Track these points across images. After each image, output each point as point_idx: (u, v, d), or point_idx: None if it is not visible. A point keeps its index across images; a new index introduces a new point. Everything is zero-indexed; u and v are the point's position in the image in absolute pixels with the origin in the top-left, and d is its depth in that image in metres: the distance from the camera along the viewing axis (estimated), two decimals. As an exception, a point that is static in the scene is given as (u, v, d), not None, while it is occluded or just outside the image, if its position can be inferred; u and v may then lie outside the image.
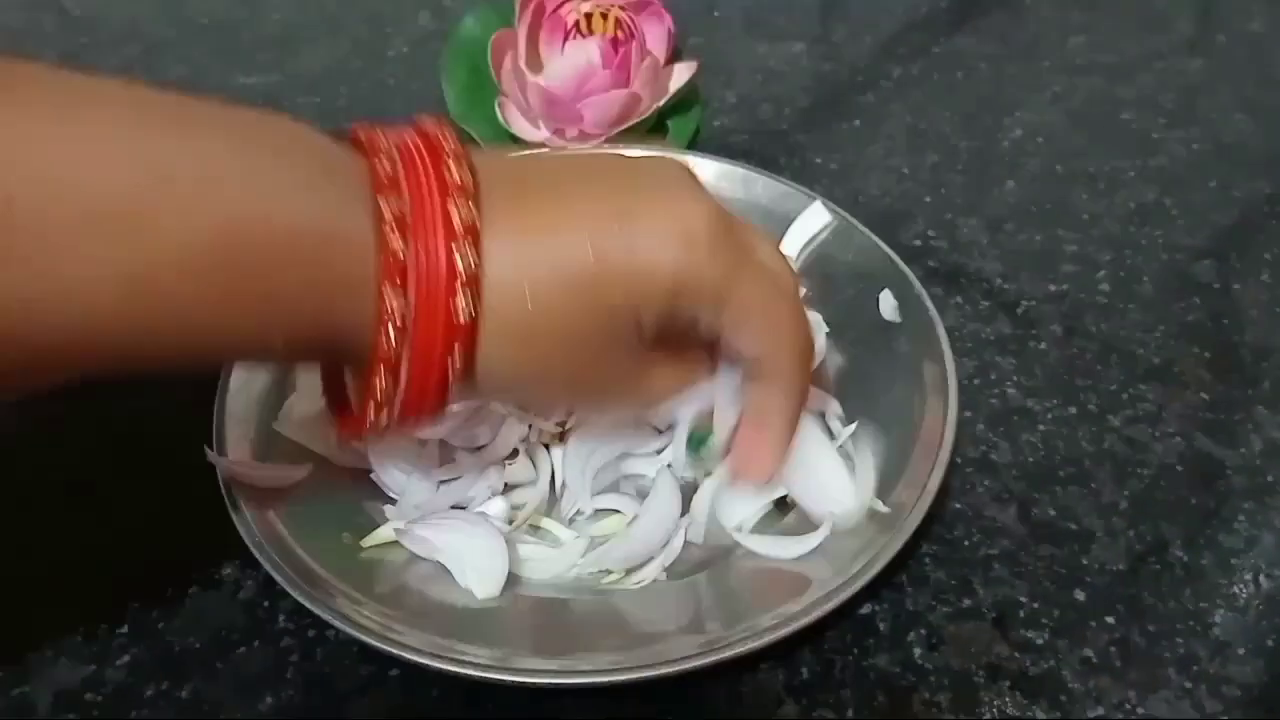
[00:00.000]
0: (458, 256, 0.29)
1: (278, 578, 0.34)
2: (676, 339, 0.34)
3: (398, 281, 0.29)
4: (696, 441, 0.39)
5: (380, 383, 0.30)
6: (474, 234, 0.29)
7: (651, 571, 0.38)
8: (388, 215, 0.29)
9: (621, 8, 0.54)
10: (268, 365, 0.40)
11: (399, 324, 0.29)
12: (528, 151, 0.35)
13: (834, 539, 0.37)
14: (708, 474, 0.39)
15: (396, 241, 0.29)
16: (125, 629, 0.37)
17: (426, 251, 0.29)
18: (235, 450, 0.39)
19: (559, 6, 0.54)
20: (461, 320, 0.29)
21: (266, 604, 0.37)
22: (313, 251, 0.28)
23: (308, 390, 0.41)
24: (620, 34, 0.53)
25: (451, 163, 0.30)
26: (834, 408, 0.42)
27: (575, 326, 0.32)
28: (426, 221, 0.29)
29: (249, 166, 0.28)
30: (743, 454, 0.37)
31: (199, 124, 0.28)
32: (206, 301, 0.27)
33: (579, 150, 0.36)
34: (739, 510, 0.39)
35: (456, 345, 0.30)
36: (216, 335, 0.28)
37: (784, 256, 0.38)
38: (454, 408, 0.35)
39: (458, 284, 0.29)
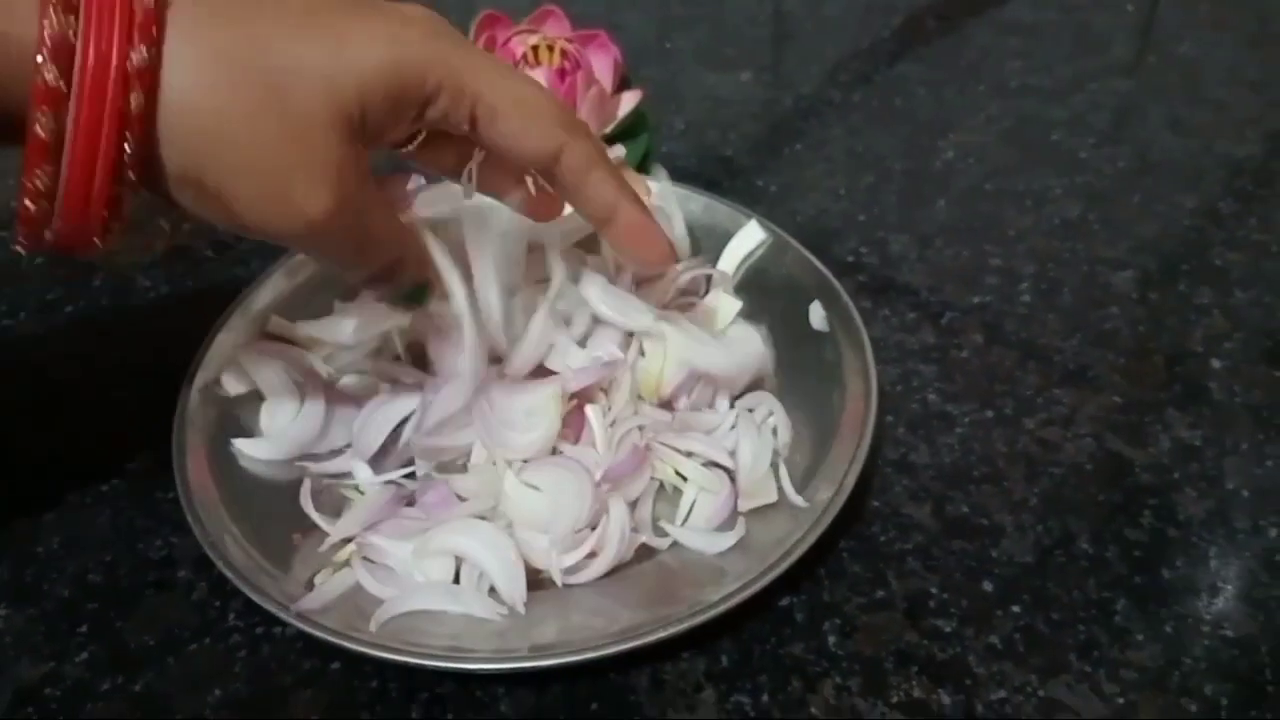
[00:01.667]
0: (132, 50, 0.28)
1: (229, 574, 0.36)
2: (400, 201, 0.34)
3: (56, 60, 0.27)
4: (414, 295, 0.39)
5: (39, 128, 0.27)
6: (152, 20, 0.28)
7: (598, 570, 0.39)
8: None
9: (569, 40, 0.56)
10: None
11: (59, 106, 0.27)
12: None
13: (754, 534, 0.39)
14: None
15: (60, 21, 0.27)
16: (84, 628, 0.39)
17: (100, 26, 0.27)
18: (193, 457, 0.41)
19: (509, 39, 0.57)
20: (134, 109, 0.28)
21: (217, 604, 0.39)
22: None
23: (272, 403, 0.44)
24: (567, 64, 0.56)
25: None
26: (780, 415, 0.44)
27: (284, 85, 0.29)
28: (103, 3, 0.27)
29: None
30: (632, 249, 0.37)
31: None
32: None
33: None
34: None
35: (125, 134, 0.28)
36: None
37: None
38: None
39: (131, 75, 0.28)
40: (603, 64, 0.58)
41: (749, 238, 0.50)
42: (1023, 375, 0.47)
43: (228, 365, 0.44)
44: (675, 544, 0.40)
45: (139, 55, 0.28)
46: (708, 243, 0.51)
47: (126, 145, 0.28)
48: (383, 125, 0.31)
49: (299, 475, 0.42)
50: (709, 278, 0.49)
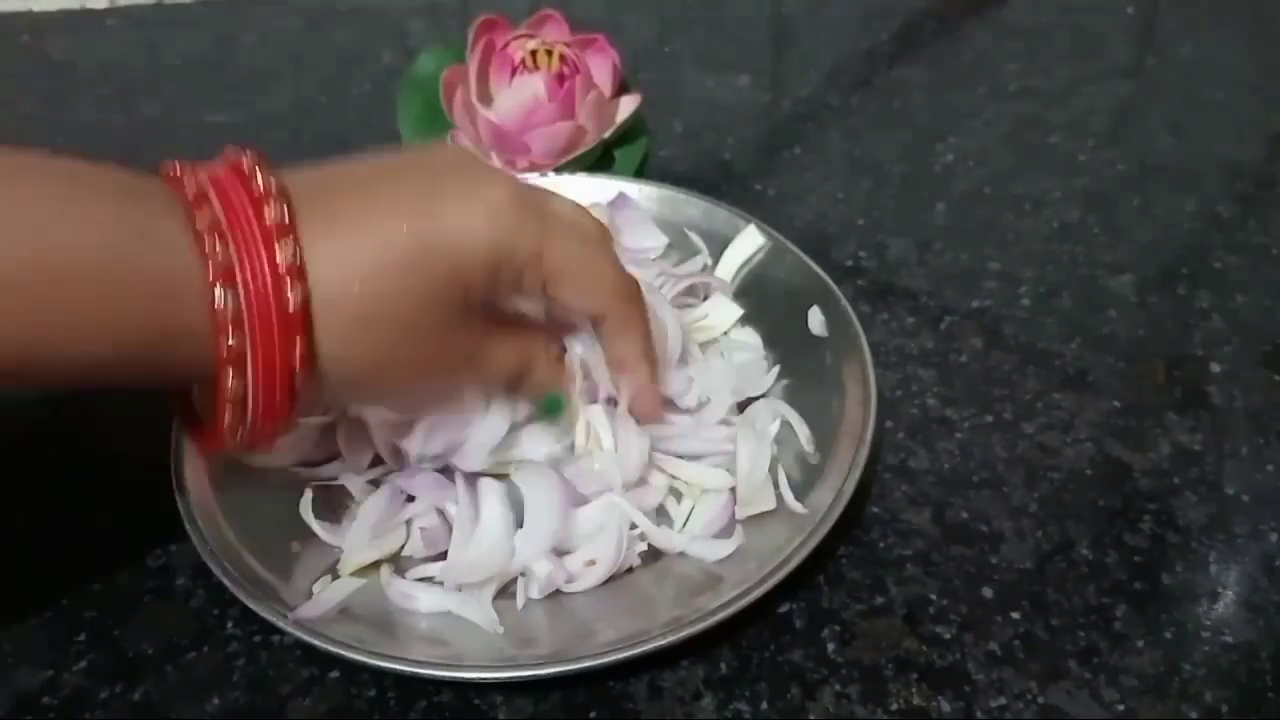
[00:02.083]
0: (278, 249, 0.31)
1: (227, 583, 0.36)
2: (511, 315, 0.38)
3: (224, 281, 0.31)
4: (550, 406, 0.41)
5: (228, 383, 0.32)
6: (288, 231, 0.32)
7: (596, 577, 0.39)
8: (201, 224, 0.31)
9: (567, 44, 0.56)
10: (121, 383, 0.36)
11: (235, 320, 0.31)
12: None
13: (753, 541, 0.39)
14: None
15: (216, 244, 0.31)
16: (82, 636, 0.39)
17: (248, 247, 0.31)
18: (192, 464, 0.41)
19: (507, 44, 0.56)
20: (292, 309, 0.32)
21: (216, 611, 0.39)
22: (120, 273, 0.30)
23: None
24: (565, 69, 0.56)
25: (257, 174, 0.33)
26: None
27: (405, 307, 0.34)
28: (241, 224, 0.31)
29: (55, 203, 0.30)
30: (632, 402, 0.41)
31: (12, 171, 0.31)
32: (23, 319, 0.29)
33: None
34: None
35: (296, 336, 0.32)
36: (40, 350, 0.30)
37: (588, 212, 0.41)
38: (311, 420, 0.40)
39: (283, 274, 0.31)
40: (601, 68, 0.58)
41: (748, 242, 0.50)
42: (1022, 380, 0.47)
43: None
44: (674, 552, 0.40)
45: (294, 304, 0.32)
46: (706, 247, 0.51)
47: (299, 381, 0.33)
48: (483, 292, 0.36)
49: (297, 483, 0.42)
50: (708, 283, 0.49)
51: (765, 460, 0.41)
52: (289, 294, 0.32)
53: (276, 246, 0.31)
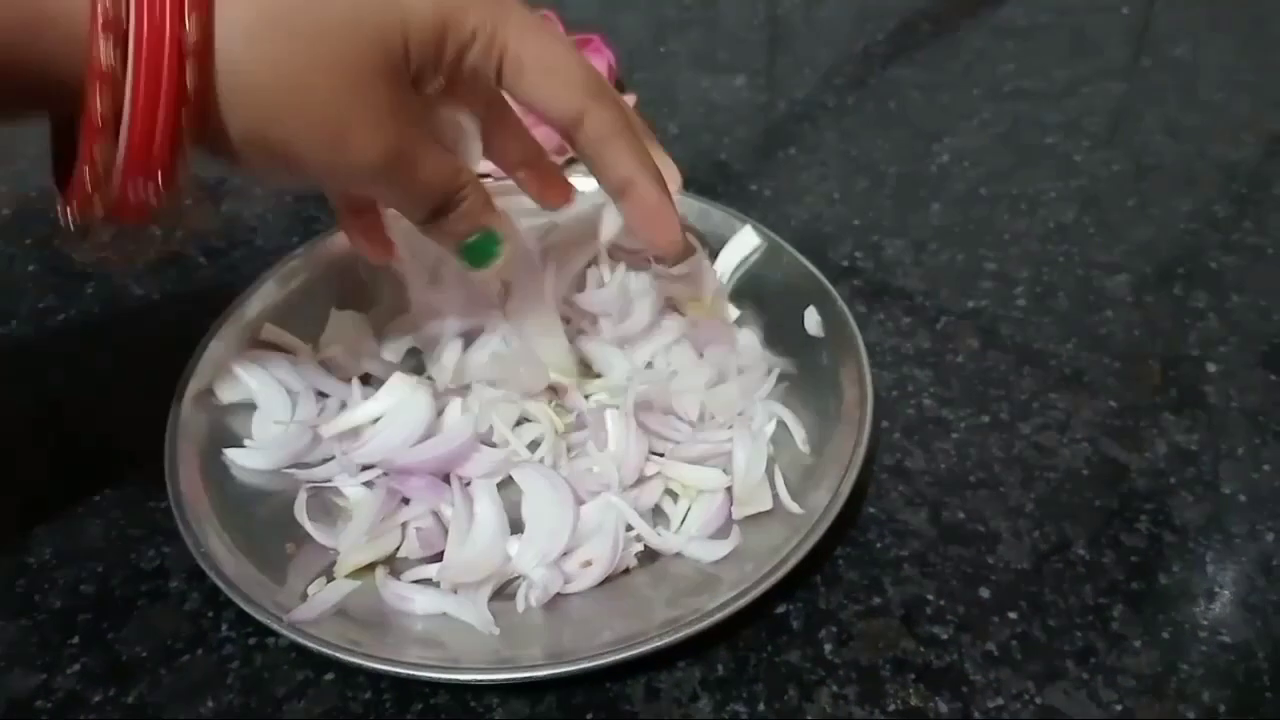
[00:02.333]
0: None
1: (221, 585, 0.36)
2: (449, 131, 0.35)
3: (109, 30, 0.26)
4: (478, 246, 0.37)
5: (98, 104, 0.27)
6: None
7: (593, 577, 0.39)
8: None
9: (563, 45, 0.56)
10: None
11: (115, 20, 0.26)
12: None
13: (750, 541, 0.39)
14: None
15: None
16: (76, 639, 0.38)
17: None
18: (186, 466, 0.41)
19: (503, 44, 0.56)
20: (190, 34, 0.27)
21: (210, 614, 0.39)
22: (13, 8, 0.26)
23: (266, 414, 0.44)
24: (561, 70, 0.56)
25: None
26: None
27: (328, 45, 0.29)
28: None
29: None
30: (642, 228, 0.37)
31: None
32: None
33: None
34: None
35: (190, 57, 0.27)
36: None
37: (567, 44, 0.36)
38: None
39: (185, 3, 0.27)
40: (597, 67, 0.57)
41: (744, 243, 0.50)
42: (1018, 380, 0.47)
43: (220, 373, 0.44)
44: (671, 552, 0.40)
45: (191, 28, 0.27)
46: (703, 248, 0.51)
47: (183, 117, 0.28)
48: (426, 69, 0.32)
49: (291, 485, 0.42)
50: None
51: (762, 461, 0.41)
52: (187, 18, 0.27)
53: (182, 17, 0.27)
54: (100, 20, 0.26)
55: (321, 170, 0.33)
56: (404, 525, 0.40)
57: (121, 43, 0.27)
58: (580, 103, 0.34)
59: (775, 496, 0.41)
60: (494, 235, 0.37)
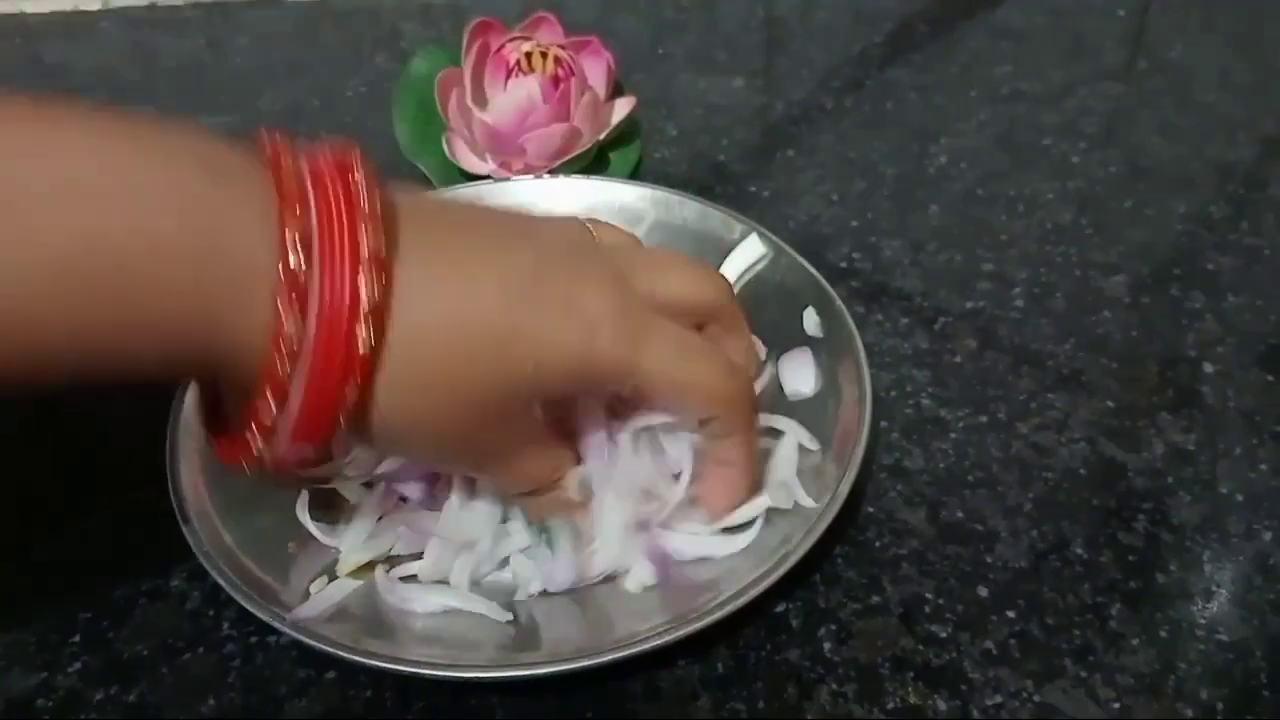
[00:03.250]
0: (363, 282, 0.28)
1: (223, 584, 0.36)
2: (566, 419, 0.37)
3: (294, 303, 0.27)
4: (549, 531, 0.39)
5: (268, 408, 0.29)
6: (382, 263, 0.28)
7: (597, 567, 0.39)
8: (289, 234, 0.27)
9: (562, 47, 0.57)
10: (155, 378, 0.34)
11: (293, 348, 0.28)
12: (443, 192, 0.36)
13: (750, 541, 0.39)
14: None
15: (298, 260, 0.27)
16: (76, 638, 0.38)
17: (331, 274, 0.28)
18: (187, 465, 0.41)
19: (502, 46, 0.57)
20: (361, 351, 0.28)
21: (211, 613, 0.39)
22: (189, 268, 0.27)
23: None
24: (560, 71, 0.56)
25: (364, 186, 0.29)
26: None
27: (478, 379, 0.31)
28: (333, 242, 0.28)
29: (119, 176, 0.27)
30: (707, 490, 0.39)
31: (63, 123, 0.27)
32: (60, 318, 0.26)
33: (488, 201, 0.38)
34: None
35: (353, 378, 0.29)
36: (75, 350, 0.27)
37: (696, 279, 0.39)
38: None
39: (361, 312, 0.28)
40: (596, 70, 0.58)
41: (749, 252, 0.50)
42: (1016, 380, 0.48)
43: None
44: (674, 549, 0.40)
45: (364, 345, 0.29)
46: (701, 249, 0.51)
47: (347, 391, 0.29)
48: (555, 394, 0.35)
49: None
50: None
51: (793, 464, 0.41)
52: (361, 334, 0.28)
53: (362, 280, 0.28)
54: (276, 337, 0.28)
55: (436, 468, 0.39)
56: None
57: (293, 358, 0.28)
58: (713, 411, 0.37)
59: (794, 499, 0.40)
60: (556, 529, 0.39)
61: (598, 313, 0.33)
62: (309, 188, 0.28)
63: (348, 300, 0.28)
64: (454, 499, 0.40)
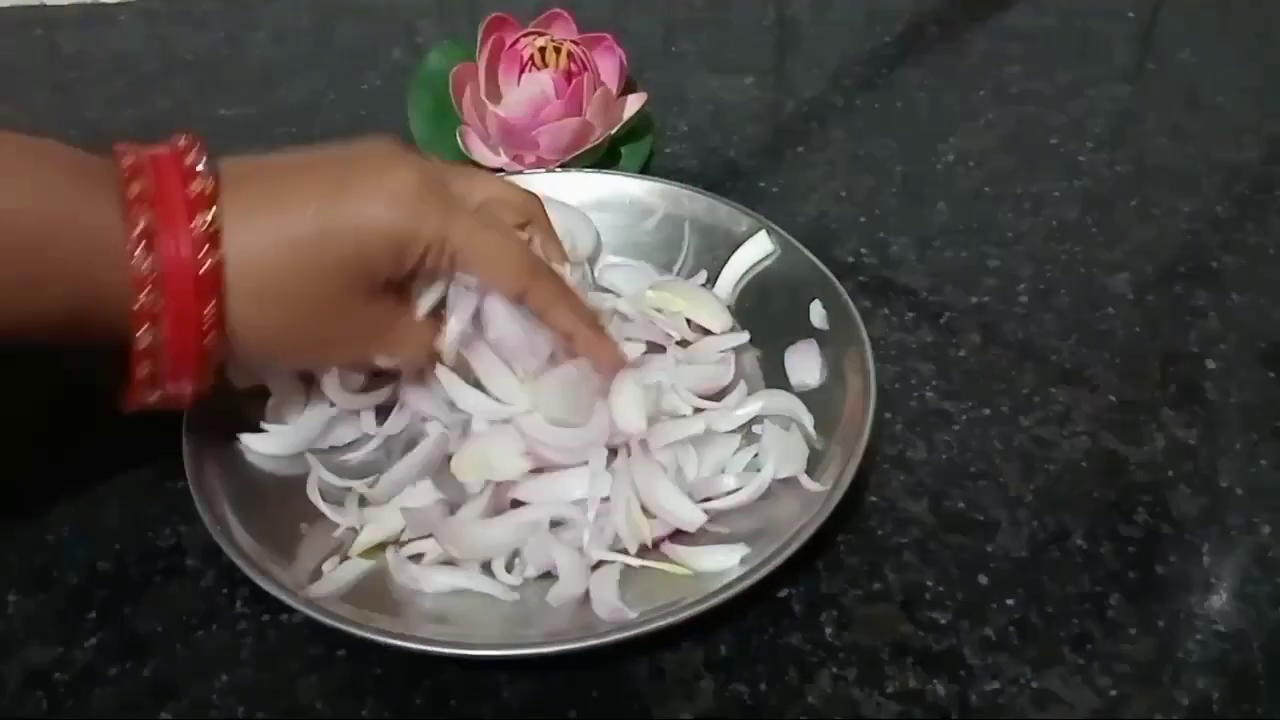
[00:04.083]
0: (197, 218, 0.35)
1: (239, 562, 0.37)
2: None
3: (145, 244, 0.34)
4: None
5: (141, 338, 0.35)
6: (209, 202, 0.35)
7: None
8: (132, 194, 0.35)
9: (575, 43, 0.57)
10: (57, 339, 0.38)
11: (151, 279, 0.34)
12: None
13: (755, 526, 0.40)
14: None
15: (142, 212, 0.35)
16: (93, 614, 0.39)
17: (170, 216, 0.35)
18: (203, 448, 0.42)
19: (516, 41, 0.57)
20: (203, 271, 0.35)
21: (225, 591, 0.40)
22: (61, 237, 0.34)
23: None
24: (573, 67, 0.57)
25: (190, 153, 0.36)
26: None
27: (307, 280, 0.37)
28: (167, 195, 0.35)
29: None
30: (593, 363, 0.43)
31: None
32: None
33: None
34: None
35: (207, 298, 0.35)
36: None
37: (508, 189, 0.44)
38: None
39: (198, 240, 0.35)
40: (608, 66, 0.58)
41: (757, 248, 0.51)
42: (1019, 374, 0.48)
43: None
44: (678, 533, 0.40)
45: (207, 267, 0.35)
46: (709, 241, 0.52)
47: (204, 346, 0.36)
48: (389, 272, 0.39)
49: (305, 467, 0.43)
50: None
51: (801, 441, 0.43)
52: (201, 258, 0.35)
53: (197, 217, 0.35)
54: (137, 279, 0.35)
55: (317, 368, 0.44)
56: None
57: (156, 324, 0.35)
58: (522, 283, 0.41)
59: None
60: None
61: (402, 189, 0.38)
62: (148, 163, 0.36)
63: (184, 233, 0.35)
64: None
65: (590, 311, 0.44)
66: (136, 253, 0.34)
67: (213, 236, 0.35)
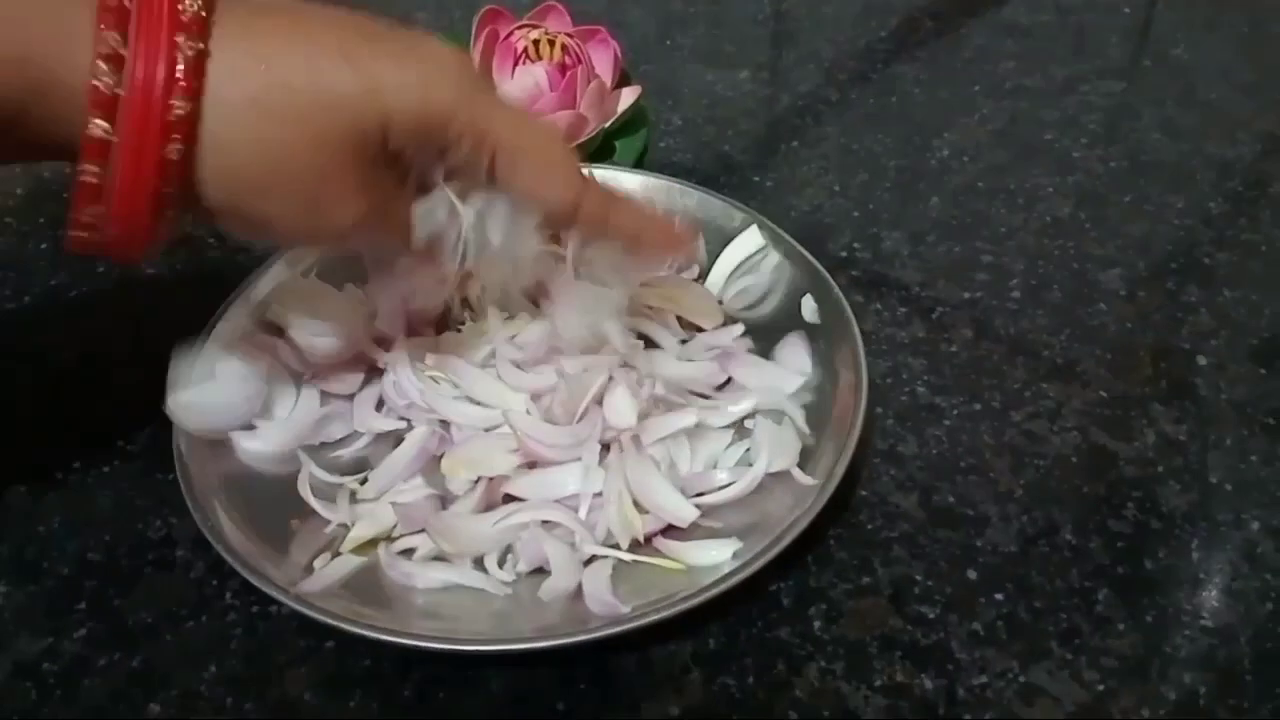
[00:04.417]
0: (181, 42, 0.29)
1: (228, 558, 0.37)
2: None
3: (112, 63, 0.29)
4: None
5: (85, 167, 0.30)
6: (200, 26, 0.30)
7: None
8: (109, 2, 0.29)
9: (570, 35, 0.57)
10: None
11: (107, 103, 0.29)
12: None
13: (745, 521, 0.40)
14: None
15: (113, 27, 0.29)
16: (83, 605, 0.39)
17: (150, 35, 0.29)
18: (193, 441, 0.41)
19: (510, 33, 0.57)
20: (176, 114, 0.29)
21: (214, 583, 0.40)
22: (22, 20, 0.29)
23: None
24: (567, 59, 0.57)
25: None
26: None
27: (305, 136, 0.31)
28: (152, 11, 0.29)
29: None
30: (669, 252, 0.42)
31: None
32: None
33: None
34: None
35: (174, 135, 0.30)
36: None
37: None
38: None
39: (177, 72, 0.29)
40: (603, 59, 0.58)
41: (747, 243, 0.51)
42: (1011, 369, 0.48)
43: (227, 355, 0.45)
44: (671, 528, 0.40)
45: (179, 108, 0.30)
46: (702, 236, 0.52)
47: (165, 184, 0.31)
48: (408, 157, 0.34)
49: (296, 462, 0.43)
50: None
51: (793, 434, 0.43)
52: (175, 98, 0.30)
53: (179, 39, 0.29)
54: (94, 96, 0.29)
55: (295, 236, 0.37)
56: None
57: (113, 115, 0.29)
58: (576, 189, 0.36)
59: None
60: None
61: (440, 61, 0.33)
62: None
63: (164, 58, 0.29)
64: None
65: (640, 203, 0.41)
66: (99, 66, 0.29)
67: (195, 65, 0.29)
